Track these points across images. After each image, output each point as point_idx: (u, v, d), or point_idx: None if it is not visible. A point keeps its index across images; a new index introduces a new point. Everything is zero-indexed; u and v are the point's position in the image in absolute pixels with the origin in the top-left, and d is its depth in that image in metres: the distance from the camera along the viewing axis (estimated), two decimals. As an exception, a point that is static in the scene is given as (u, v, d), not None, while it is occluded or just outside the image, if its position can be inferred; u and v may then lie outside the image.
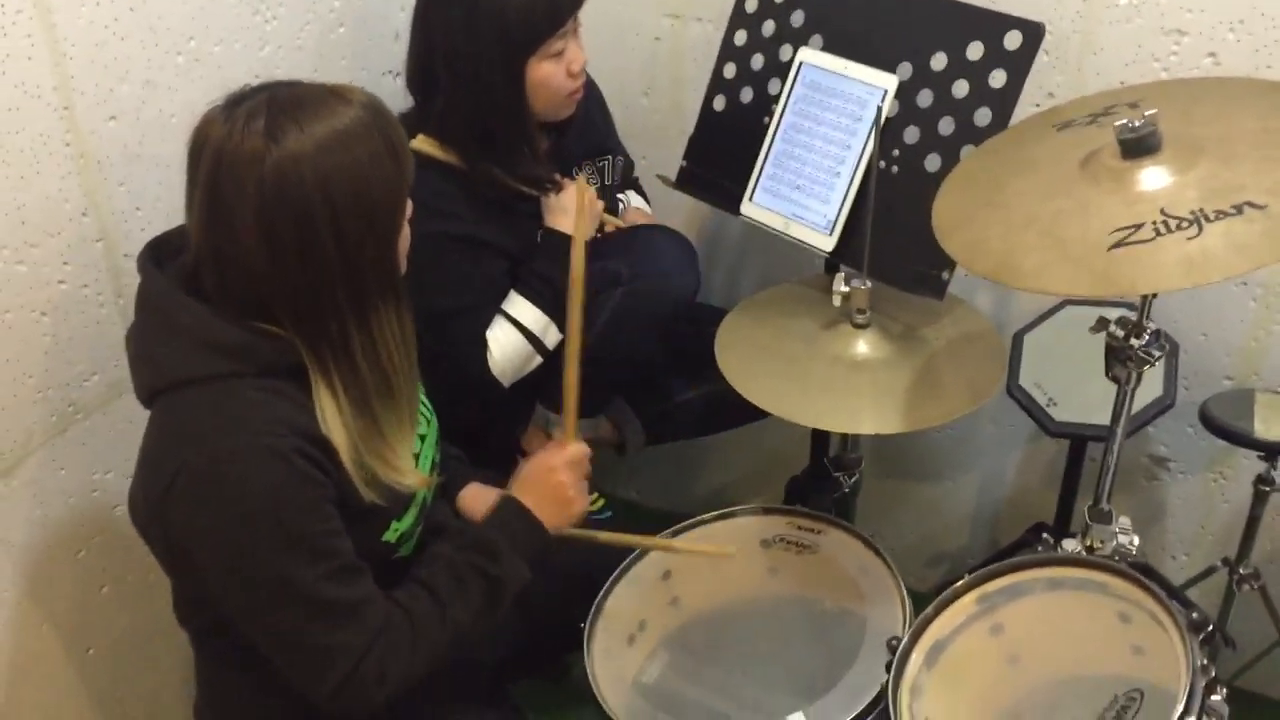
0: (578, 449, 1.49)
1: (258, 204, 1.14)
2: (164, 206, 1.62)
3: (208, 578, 1.24)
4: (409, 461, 1.34)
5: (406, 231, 1.27)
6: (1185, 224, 1.17)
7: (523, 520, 1.40)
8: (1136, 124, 1.24)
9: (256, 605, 1.23)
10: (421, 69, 1.71)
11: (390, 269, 1.25)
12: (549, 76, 1.68)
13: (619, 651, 1.58)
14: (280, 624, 1.23)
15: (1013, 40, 1.55)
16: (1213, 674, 1.18)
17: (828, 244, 1.69)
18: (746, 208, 1.78)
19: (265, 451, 1.17)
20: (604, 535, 1.60)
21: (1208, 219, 1.16)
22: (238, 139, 1.14)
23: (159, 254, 1.29)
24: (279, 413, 1.20)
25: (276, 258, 1.17)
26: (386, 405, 1.29)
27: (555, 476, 1.45)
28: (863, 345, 1.64)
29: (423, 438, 1.42)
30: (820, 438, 1.99)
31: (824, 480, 1.90)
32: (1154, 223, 1.19)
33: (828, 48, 1.72)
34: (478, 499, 1.63)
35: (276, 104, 1.16)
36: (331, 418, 1.23)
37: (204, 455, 1.17)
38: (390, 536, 1.35)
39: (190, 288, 1.24)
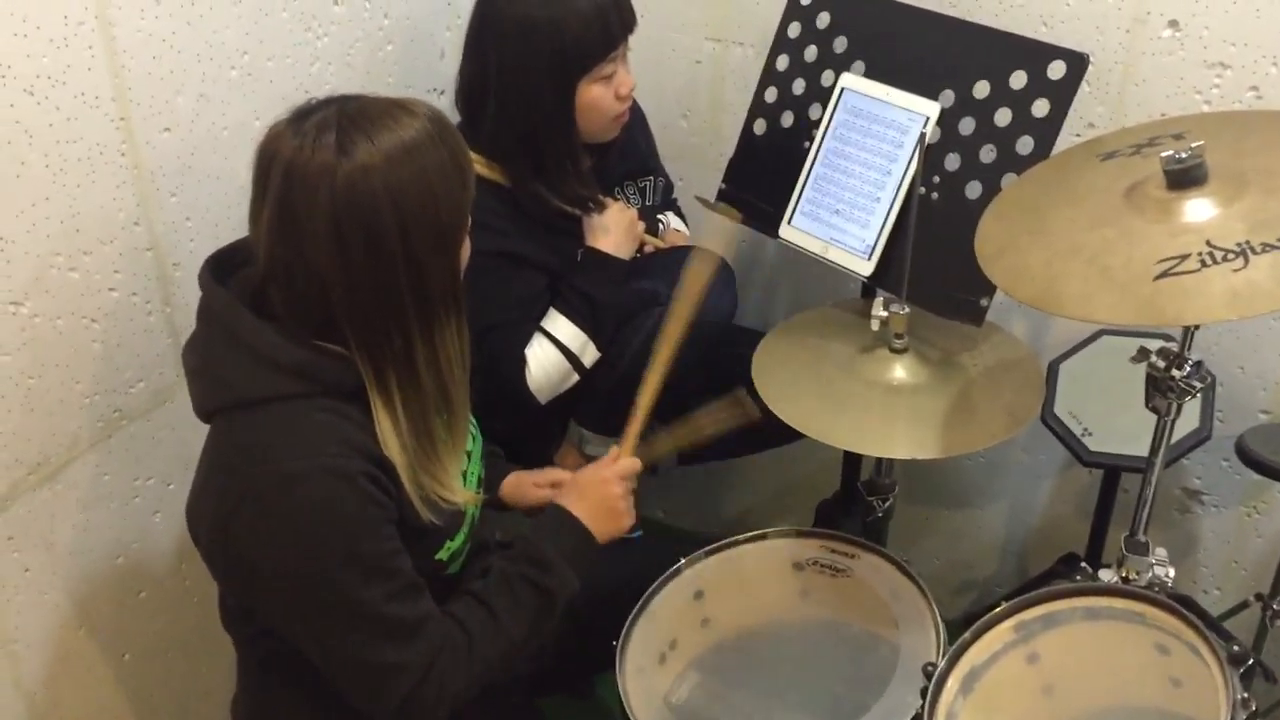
0: (630, 463, 1.52)
1: (330, 216, 1.15)
2: (213, 218, 1.64)
3: (272, 598, 1.25)
4: (458, 478, 1.36)
5: (468, 243, 1.29)
6: (1231, 255, 1.17)
7: (573, 530, 1.42)
8: (1183, 155, 1.24)
9: (321, 626, 1.24)
10: (471, 86, 1.73)
11: (454, 280, 1.26)
12: (598, 99, 1.70)
13: (650, 670, 1.58)
14: (345, 644, 1.23)
15: (1056, 70, 1.56)
16: (1253, 708, 1.18)
17: (866, 268, 1.70)
18: (785, 230, 1.80)
19: (332, 474, 1.18)
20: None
21: (1254, 251, 1.17)
22: (309, 152, 1.15)
23: (220, 268, 1.30)
24: (344, 435, 1.21)
25: (348, 269, 1.18)
26: (442, 420, 1.31)
27: (608, 488, 1.47)
28: (900, 370, 1.64)
29: (469, 454, 1.43)
30: (852, 462, 1.99)
31: (854, 504, 1.90)
32: (1200, 254, 1.19)
33: (870, 74, 1.74)
34: (520, 486, 1.63)
35: (345, 117, 1.17)
36: (390, 437, 1.24)
37: (272, 477, 1.18)
38: (443, 555, 1.36)
39: (253, 304, 1.25)
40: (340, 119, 1.17)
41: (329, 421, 1.21)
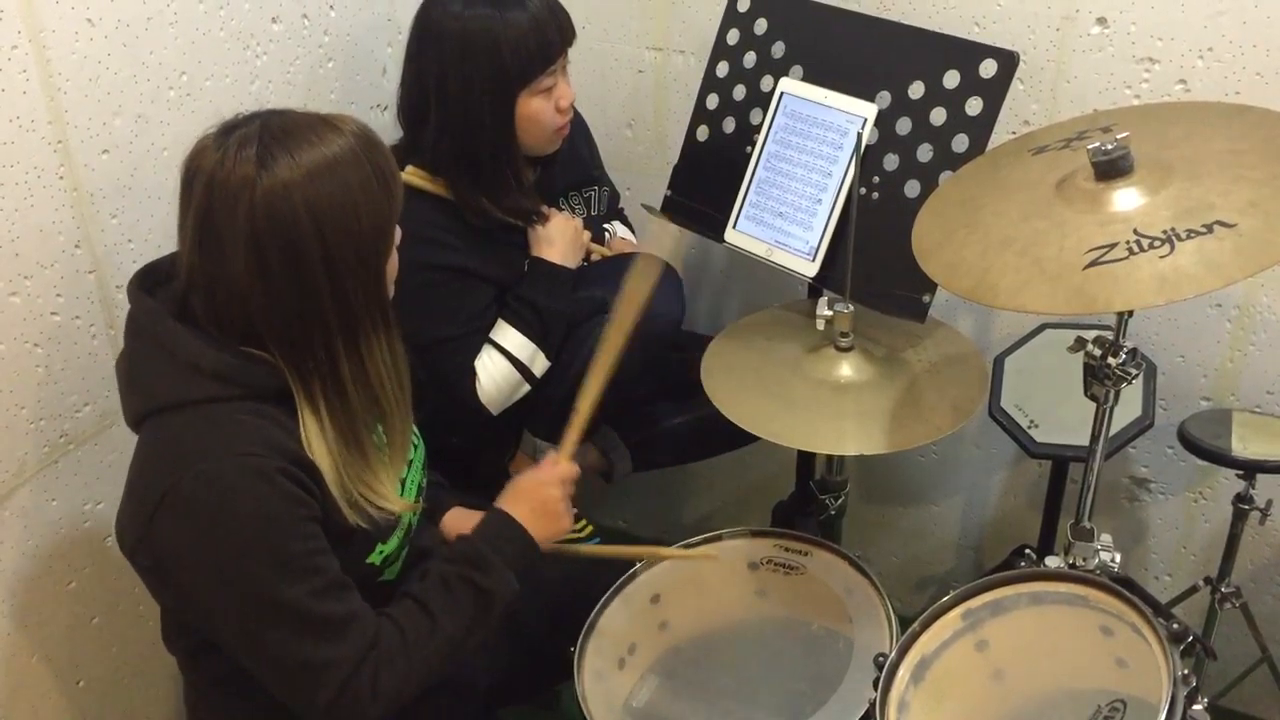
0: (570, 468, 1.52)
1: (248, 230, 1.16)
2: (155, 239, 1.64)
3: (196, 600, 1.24)
4: (394, 487, 1.36)
5: (395, 258, 1.30)
6: (1158, 243, 1.20)
7: (512, 532, 1.42)
8: (1109, 147, 1.27)
9: (246, 625, 1.23)
10: (412, 102, 1.73)
11: (378, 295, 1.27)
12: (538, 112, 1.71)
13: (609, 675, 1.58)
14: (270, 642, 1.23)
15: (988, 69, 1.59)
16: (1194, 684, 1.20)
17: (811, 269, 1.72)
18: (730, 235, 1.81)
19: (250, 471, 1.19)
20: (587, 548, 1.62)
21: (1180, 238, 1.19)
22: (229, 166, 1.16)
23: (148, 281, 1.31)
24: (264, 435, 1.21)
25: (266, 283, 1.19)
26: (377, 433, 1.31)
27: (548, 490, 1.47)
28: (846, 368, 1.66)
29: (409, 463, 1.43)
30: (806, 461, 2.01)
31: (809, 503, 1.91)
32: (1127, 242, 1.22)
33: (808, 78, 1.76)
34: (461, 523, 1.65)
35: (268, 132, 1.18)
36: (316, 442, 1.25)
37: (190, 476, 1.18)
38: (375, 559, 1.36)
39: (179, 314, 1.25)
40: (263, 134, 1.18)
41: (250, 423, 1.22)
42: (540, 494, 1.47)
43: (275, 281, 1.19)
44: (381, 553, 1.36)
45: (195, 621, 1.31)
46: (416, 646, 1.30)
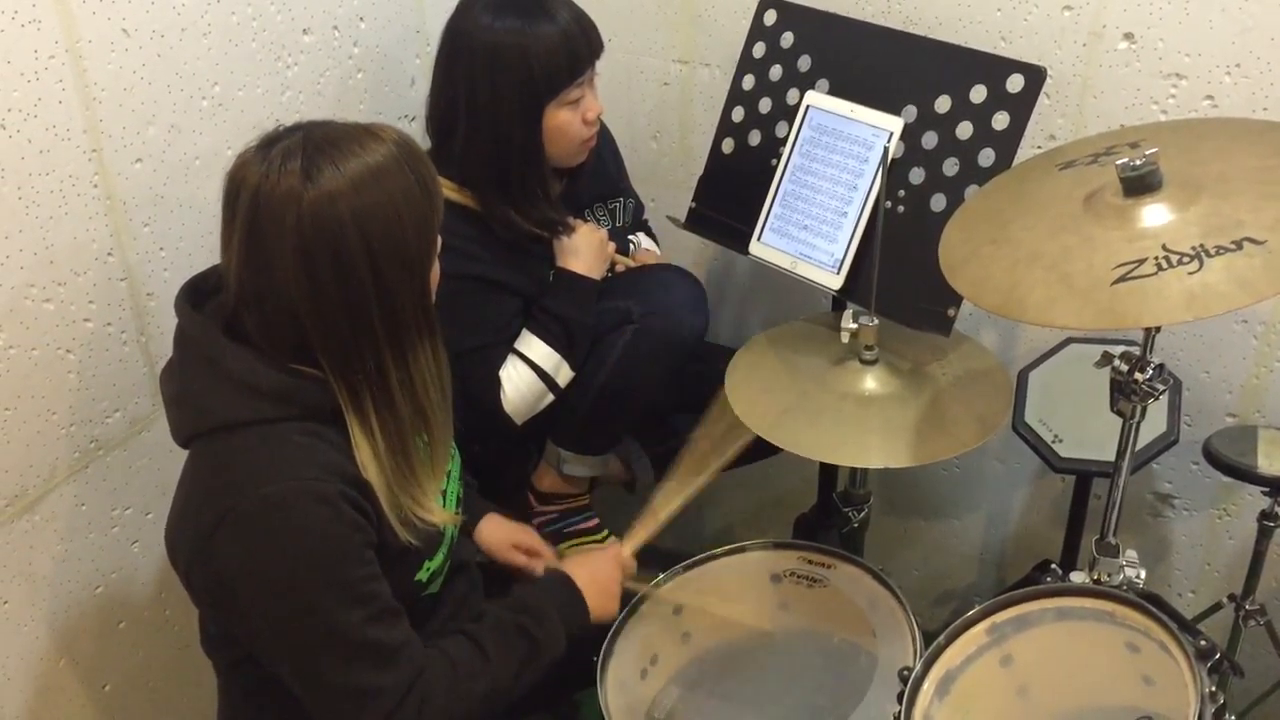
0: (631, 561, 1.61)
1: (296, 242, 1.17)
2: (186, 248, 1.65)
3: (250, 620, 1.25)
4: (436, 497, 1.37)
5: (437, 266, 1.31)
6: (1187, 259, 1.20)
7: (572, 596, 1.46)
8: (1138, 163, 1.27)
9: (299, 648, 1.24)
10: (441, 112, 1.75)
11: (424, 303, 1.28)
12: (566, 124, 1.72)
13: (632, 685, 1.59)
14: (322, 666, 1.23)
15: (1015, 83, 1.59)
16: (1221, 701, 1.19)
17: (835, 282, 1.72)
18: (755, 247, 1.82)
19: (314, 497, 1.19)
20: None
21: (1208, 254, 1.19)
22: (274, 179, 1.17)
23: (196, 294, 1.31)
24: (324, 458, 1.22)
25: (316, 295, 1.19)
26: (422, 441, 1.32)
27: (608, 571, 1.54)
28: (871, 381, 1.66)
29: (447, 474, 1.44)
30: (828, 474, 2.01)
31: (832, 516, 1.91)
32: (1156, 258, 1.21)
33: (834, 91, 1.77)
34: (496, 530, 1.66)
35: (311, 143, 1.19)
36: (368, 459, 1.25)
37: (253, 499, 1.19)
38: (422, 576, 1.37)
39: (229, 329, 1.26)
40: (306, 145, 1.18)
41: (309, 444, 1.22)
42: (603, 571, 1.53)
43: (324, 292, 1.19)
44: (428, 569, 1.38)
45: (244, 640, 1.31)
46: (465, 682, 1.32)
